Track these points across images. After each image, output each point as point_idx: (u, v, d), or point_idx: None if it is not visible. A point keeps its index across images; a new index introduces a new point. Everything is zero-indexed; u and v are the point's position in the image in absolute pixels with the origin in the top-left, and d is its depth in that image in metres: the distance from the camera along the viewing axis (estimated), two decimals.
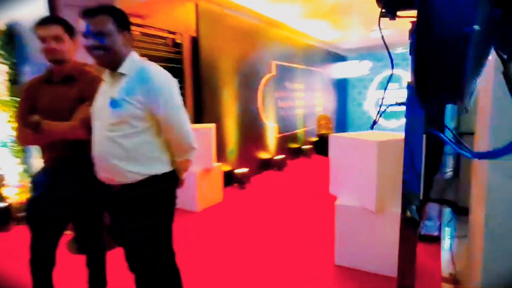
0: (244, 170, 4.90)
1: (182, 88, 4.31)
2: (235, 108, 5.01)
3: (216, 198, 4.11)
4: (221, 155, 4.68)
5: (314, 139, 7.83)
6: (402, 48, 9.42)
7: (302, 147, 7.19)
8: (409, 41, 1.00)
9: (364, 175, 2.30)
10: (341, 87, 9.90)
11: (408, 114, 0.95)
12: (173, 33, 4.12)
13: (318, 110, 8.20)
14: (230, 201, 4.20)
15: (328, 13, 5.71)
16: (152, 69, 1.35)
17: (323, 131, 7.78)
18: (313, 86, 7.88)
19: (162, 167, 1.38)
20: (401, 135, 2.52)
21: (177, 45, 4.18)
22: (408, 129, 0.97)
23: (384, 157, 2.20)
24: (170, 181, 1.44)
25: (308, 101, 7.62)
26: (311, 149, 7.18)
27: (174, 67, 4.16)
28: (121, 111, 1.27)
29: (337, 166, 2.59)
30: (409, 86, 0.93)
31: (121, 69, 1.33)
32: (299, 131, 7.23)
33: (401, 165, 2.38)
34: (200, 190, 3.79)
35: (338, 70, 9.58)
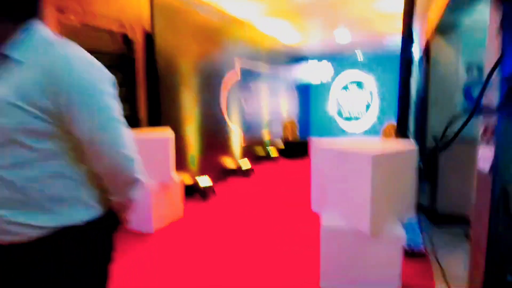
0: (207, 179, 4.47)
1: (134, 89, 3.79)
2: (197, 111, 4.56)
3: (175, 215, 3.64)
4: (180, 163, 4.21)
5: (280, 144, 7.61)
6: (361, 53, 9.60)
7: (268, 151, 6.91)
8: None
9: (356, 192, 2.02)
10: (303, 90, 9.82)
11: (501, 127, 0.62)
12: (124, 26, 3.58)
13: (283, 114, 7.99)
14: (192, 216, 3.75)
15: (290, 14, 5.50)
16: (71, 54, 0.81)
17: (289, 136, 7.58)
18: (277, 89, 7.65)
19: (84, 213, 0.88)
20: (396, 145, 2.30)
21: (128, 40, 3.64)
22: (501, 148, 0.63)
23: (380, 172, 1.93)
24: (100, 232, 0.94)
25: (273, 104, 7.37)
26: (277, 153, 6.94)
27: (125, 65, 3.62)
28: (6, 123, 0.76)
29: (322, 180, 2.29)
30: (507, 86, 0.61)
31: (11, 51, 0.78)
32: (265, 135, 6.95)
33: (398, 180, 2.17)
34: (156, 208, 3.30)
35: (301, 73, 9.49)
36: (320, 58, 10.15)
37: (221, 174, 5.26)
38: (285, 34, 7.00)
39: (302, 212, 3.77)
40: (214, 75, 4.97)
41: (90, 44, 3.14)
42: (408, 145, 2.21)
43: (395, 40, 7.84)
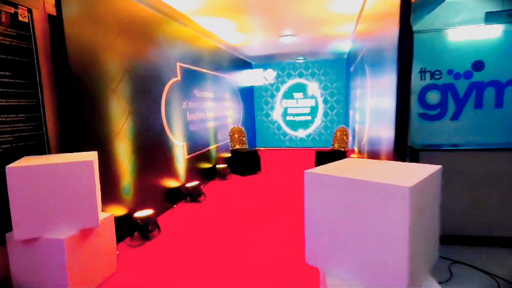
0: (147, 211, 3.47)
1: (37, 95, 2.66)
2: (131, 124, 3.54)
3: (105, 270, 2.59)
4: (111, 195, 3.16)
5: (228, 155, 6.83)
6: (303, 58, 9.46)
7: (216, 166, 6.07)
8: None
9: (381, 239, 1.37)
10: (248, 96, 9.24)
11: None
12: (12, 4, 2.45)
13: (229, 122, 7.25)
14: (130, 268, 2.74)
15: (232, 11, 4.83)
16: None
17: (237, 146, 6.84)
18: (222, 95, 6.88)
19: None
20: (423, 167, 1.68)
21: (19, 24, 2.52)
22: None
23: (417, 208, 1.32)
24: None
25: (218, 112, 6.56)
26: (226, 168, 6.14)
27: (15, 60, 2.48)
28: None
29: (324, 224, 1.60)
30: None
31: None
32: (212, 147, 6.10)
33: (430, 214, 1.52)
34: (74, 268, 2.24)
35: (245, 78, 8.90)
36: (264, 60, 9.72)
37: (166, 201, 4.26)
38: (228, 33, 6.31)
39: (281, 255, 3.07)
40: (151, 80, 3.99)
41: None
42: (429, 166, 1.68)
43: (341, 45, 7.79)
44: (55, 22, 2.71)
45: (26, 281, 2.27)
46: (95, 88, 3.04)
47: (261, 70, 9.78)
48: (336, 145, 6.23)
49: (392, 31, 2.28)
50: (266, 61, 9.71)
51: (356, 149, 5.38)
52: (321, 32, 6.46)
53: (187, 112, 5.03)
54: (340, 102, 9.31)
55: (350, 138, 6.55)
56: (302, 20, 5.48)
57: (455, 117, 4.30)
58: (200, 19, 5.17)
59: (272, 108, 9.89)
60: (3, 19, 2.38)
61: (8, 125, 2.44)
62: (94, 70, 3.03)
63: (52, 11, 2.72)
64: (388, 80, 2.46)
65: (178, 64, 4.72)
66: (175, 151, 4.56)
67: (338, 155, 5.99)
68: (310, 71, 9.42)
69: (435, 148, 3.10)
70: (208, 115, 5.94)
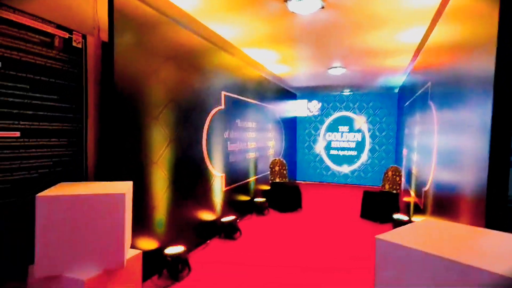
0: (178, 248, 3.20)
1: (81, 121, 2.60)
2: (170, 153, 3.39)
3: None
4: (143, 227, 2.95)
5: (267, 187, 6.48)
6: (349, 91, 9.08)
7: (254, 199, 5.74)
8: None
9: None
10: (290, 127, 8.97)
11: None
12: (68, 29, 2.47)
13: (270, 153, 6.97)
14: None
15: (281, 43, 4.72)
16: None
17: (277, 179, 6.49)
18: (265, 125, 6.68)
19: None
20: None
21: (72, 49, 2.52)
22: None
23: None
24: None
25: (260, 143, 6.33)
26: (265, 203, 5.77)
27: (64, 85, 2.45)
28: None
29: None
30: None
31: None
32: (251, 179, 5.81)
33: None
34: None
35: (288, 108, 8.68)
36: (309, 91, 9.49)
37: (199, 236, 3.99)
38: (274, 64, 6.20)
39: None
40: (195, 107, 3.89)
41: (5, 49, 1.98)
42: None
43: (393, 78, 7.33)
44: (107, 48, 2.69)
45: None
46: (138, 115, 2.94)
47: (305, 101, 9.54)
48: (387, 186, 5.61)
49: (482, 64, 1.89)
50: (311, 92, 9.47)
51: (412, 193, 4.75)
52: (373, 65, 6.10)
53: (228, 142, 4.85)
54: (390, 138, 8.65)
55: (404, 179, 5.89)
56: (353, 52, 5.19)
57: None
58: (247, 50, 5.12)
59: (315, 141, 9.47)
60: (56, 44, 2.38)
61: (49, 149, 2.38)
62: (139, 97, 2.95)
63: (106, 37, 2.72)
64: (472, 119, 2.03)
65: (223, 93, 4.62)
66: (213, 182, 4.33)
67: (390, 197, 5.37)
68: (357, 104, 8.97)
69: None
70: (249, 145, 5.72)
